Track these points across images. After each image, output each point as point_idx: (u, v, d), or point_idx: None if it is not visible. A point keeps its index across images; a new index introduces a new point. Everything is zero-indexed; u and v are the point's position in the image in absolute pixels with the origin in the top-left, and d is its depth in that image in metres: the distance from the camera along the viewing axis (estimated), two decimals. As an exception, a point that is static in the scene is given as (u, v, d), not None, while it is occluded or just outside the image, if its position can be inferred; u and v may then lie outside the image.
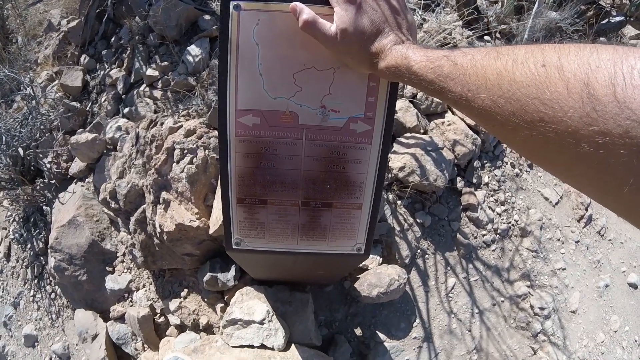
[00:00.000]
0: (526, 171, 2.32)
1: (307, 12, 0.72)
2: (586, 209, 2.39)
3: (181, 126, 1.71)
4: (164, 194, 1.66)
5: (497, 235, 2.14)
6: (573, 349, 2.08)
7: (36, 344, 2.55)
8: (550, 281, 2.16)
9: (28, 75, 2.89)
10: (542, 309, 2.05)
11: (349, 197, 0.94)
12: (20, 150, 2.52)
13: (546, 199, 2.32)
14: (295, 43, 0.80)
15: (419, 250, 2.05)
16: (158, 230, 1.73)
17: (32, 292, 2.59)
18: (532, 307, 2.06)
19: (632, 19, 3.09)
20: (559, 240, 2.29)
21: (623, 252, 2.48)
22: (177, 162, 1.60)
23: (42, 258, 2.56)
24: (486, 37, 2.66)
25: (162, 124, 1.80)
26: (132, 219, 1.86)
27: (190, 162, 1.59)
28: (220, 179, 0.90)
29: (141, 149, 1.81)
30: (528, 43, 2.65)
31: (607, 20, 2.87)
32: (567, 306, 2.17)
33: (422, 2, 2.40)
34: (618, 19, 2.91)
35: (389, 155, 2.01)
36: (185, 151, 1.59)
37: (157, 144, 1.74)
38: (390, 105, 0.87)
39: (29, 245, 2.61)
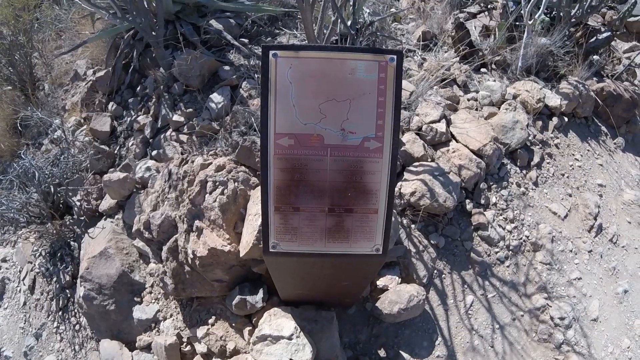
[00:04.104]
0: (532, 189, 2.55)
1: None
2: (595, 219, 2.60)
3: (211, 163, 2.01)
4: (197, 222, 1.93)
5: (510, 252, 2.34)
6: (599, 357, 2.19)
7: (56, 373, 2.70)
8: (567, 291, 2.33)
9: (58, 119, 3.25)
10: (562, 319, 2.19)
11: (366, 203, 1.20)
12: (52, 187, 2.82)
13: (554, 214, 2.53)
14: (319, 81, 1.11)
15: (435, 271, 2.25)
16: (190, 256, 1.97)
17: (55, 324, 2.79)
18: (552, 318, 2.21)
19: (618, 33, 3.43)
20: (571, 251, 2.47)
21: (638, 257, 2.63)
22: (210, 193, 1.88)
23: (67, 291, 2.79)
24: (482, 69, 3.00)
25: (192, 161, 2.10)
26: (165, 248, 2.11)
27: (222, 193, 1.87)
28: (261, 190, 1.17)
29: (174, 184, 2.11)
30: (522, 71, 2.98)
31: (594, 38, 3.19)
32: (587, 315, 2.31)
33: (422, 43, 2.77)
34: (605, 34, 3.24)
35: (400, 182, 2.27)
36: (217, 183, 1.88)
37: (189, 179, 2.03)
38: (395, 126, 1.15)
39: (54, 279, 2.84)
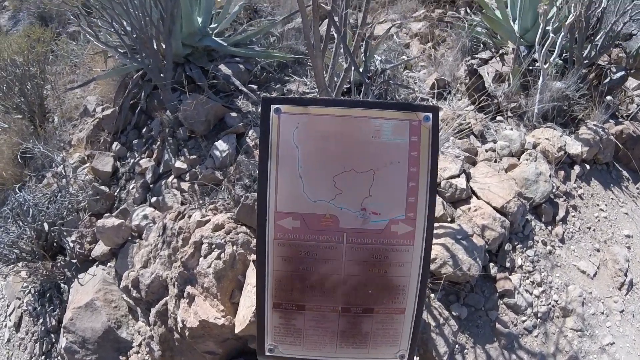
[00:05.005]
0: (559, 247, 2.24)
1: None
2: (625, 274, 2.26)
3: (209, 220, 1.73)
4: (188, 288, 1.62)
5: (538, 320, 2.00)
6: None
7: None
8: (600, 359, 1.97)
9: (61, 154, 3.02)
10: (596, 392, 1.83)
11: (391, 301, 0.89)
12: (46, 226, 2.56)
13: (583, 272, 2.22)
14: (335, 146, 0.82)
15: (457, 346, 1.90)
16: (180, 324, 1.65)
17: (38, 369, 2.46)
18: (585, 391, 1.85)
19: (632, 71, 3.16)
20: (602, 313, 2.14)
21: (672, 313, 2.28)
22: (205, 257, 1.59)
23: (52, 335, 2.49)
24: (498, 117, 2.74)
25: (189, 216, 1.82)
26: (153, 311, 1.79)
27: (218, 258, 1.57)
28: (257, 282, 0.87)
29: (167, 240, 1.82)
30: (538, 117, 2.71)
31: (609, 78, 2.94)
32: (621, 382, 1.95)
33: (435, 91, 2.54)
34: (619, 74, 2.97)
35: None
36: (213, 246, 1.59)
37: (184, 237, 1.74)
38: (431, 205, 0.86)
39: (41, 320, 2.55)
